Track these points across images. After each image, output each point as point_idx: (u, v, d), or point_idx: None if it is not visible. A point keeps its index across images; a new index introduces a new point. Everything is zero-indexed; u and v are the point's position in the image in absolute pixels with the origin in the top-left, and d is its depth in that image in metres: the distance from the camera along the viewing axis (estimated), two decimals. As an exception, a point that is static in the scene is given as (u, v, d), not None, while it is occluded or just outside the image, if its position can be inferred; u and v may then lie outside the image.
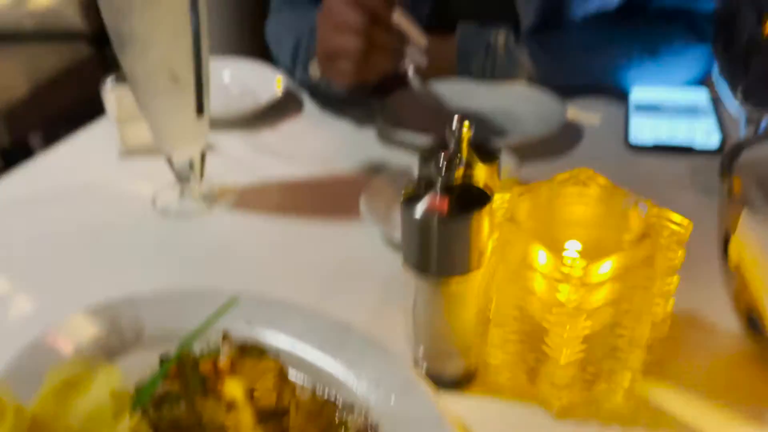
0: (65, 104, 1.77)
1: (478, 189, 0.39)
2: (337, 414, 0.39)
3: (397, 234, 0.41)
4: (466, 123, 0.41)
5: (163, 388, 0.36)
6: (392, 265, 0.41)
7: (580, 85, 0.78)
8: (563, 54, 0.77)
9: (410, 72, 0.70)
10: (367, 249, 0.56)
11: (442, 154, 0.37)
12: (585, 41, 0.77)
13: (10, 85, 1.68)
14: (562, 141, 0.70)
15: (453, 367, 0.42)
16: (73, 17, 1.87)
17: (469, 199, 0.38)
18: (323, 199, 0.64)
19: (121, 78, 0.68)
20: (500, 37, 0.77)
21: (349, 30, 0.65)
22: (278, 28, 0.88)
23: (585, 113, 0.75)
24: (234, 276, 0.54)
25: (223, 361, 0.37)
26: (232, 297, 0.38)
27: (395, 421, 0.37)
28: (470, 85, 0.78)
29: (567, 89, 0.76)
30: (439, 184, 0.37)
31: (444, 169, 0.37)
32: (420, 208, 0.37)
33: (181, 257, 0.57)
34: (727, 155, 0.43)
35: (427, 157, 0.44)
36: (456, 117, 0.42)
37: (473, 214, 0.37)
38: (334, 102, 0.79)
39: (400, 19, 0.65)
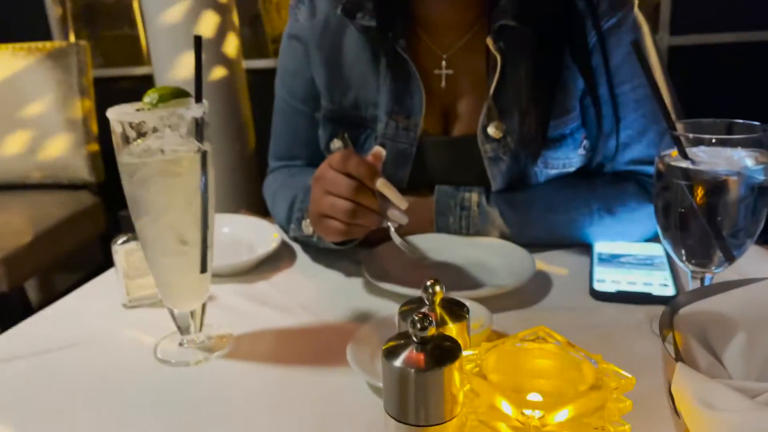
0: (63, 251, 1.84)
1: (450, 345, 0.44)
2: None
3: (381, 382, 0.45)
4: (438, 286, 0.48)
5: None
6: (376, 410, 0.46)
7: (547, 239, 0.86)
8: (529, 212, 0.86)
9: (392, 230, 0.78)
10: (353, 395, 0.60)
11: (418, 313, 0.44)
12: (548, 201, 0.87)
13: (15, 232, 1.75)
14: (532, 291, 0.77)
15: None
16: (81, 168, 1.99)
17: (442, 354, 0.43)
18: (313, 347, 0.69)
19: (131, 237, 0.75)
20: (473, 197, 0.87)
21: (339, 194, 0.74)
22: (274, 187, 0.98)
23: (552, 265, 0.83)
24: (229, 423, 0.57)
25: None
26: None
27: None
28: (447, 240, 0.86)
29: (536, 243, 0.84)
30: (415, 340, 0.43)
31: (419, 326, 0.43)
32: (398, 362, 0.43)
33: (180, 405, 0.60)
34: (666, 313, 0.49)
35: (406, 314, 0.50)
36: (429, 281, 0.48)
37: (445, 368, 0.42)
38: (324, 254, 0.87)
39: (383, 184, 0.74)
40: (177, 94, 0.63)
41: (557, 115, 0.85)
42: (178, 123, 0.61)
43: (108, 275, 0.87)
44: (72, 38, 2.72)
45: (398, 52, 0.86)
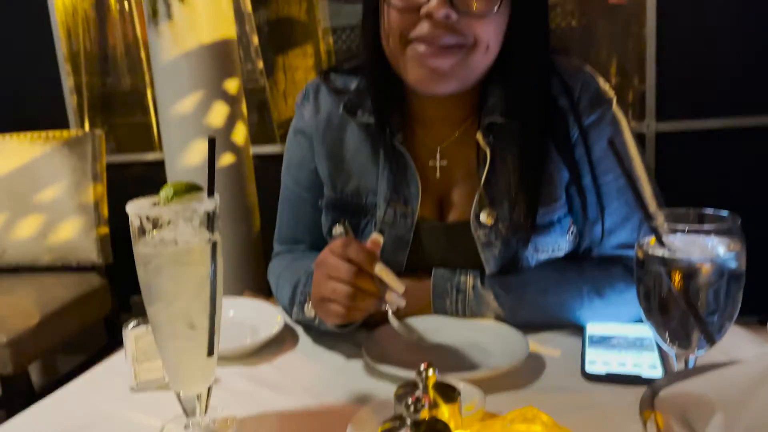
0: (69, 333, 1.86)
1: (442, 425, 0.48)
2: None
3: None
4: (431, 370, 0.51)
5: None
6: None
7: (540, 321, 0.89)
8: (522, 295, 0.90)
9: (390, 313, 0.82)
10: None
11: (411, 396, 0.47)
12: (540, 284, 0.91)
13: (22, 315, 1.78)
14: (526, 372, 0.79)
15: None
16: (90, 251, 2.04)
17: (435, 435, 0.46)
18: (315, 429, 0.71)
19: (141, 321, 0.79)
20: (468, 280, 0.91)
21: (340, 279, 0.78)
22: (279, 271, 1.02)
23: (545, 346, 0.86)
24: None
25: None
26: None
27: None
28: (444, 322, 0.89)
29: (529, 324, 0.88)
30: (409, 422, 0.46)
31: (413, 409, 0.47)
32: (394, 443, 0.46)
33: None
34: (647, 395, 0.52)
35: (401, 397, 0.53)
36: (423, 365, 0.52)
37: (437, 448, 0.45)
38: (326, 336, 0.90)
39: (381, 269, 0.79)
40: (190, 188, 0.69)
41: (545, 203, 0.90)
42: (191, 216, 0.66)
43: (115, 359, 0.90)
44: (86, 125, 2.84)
45: (395, 145, 0.93)
